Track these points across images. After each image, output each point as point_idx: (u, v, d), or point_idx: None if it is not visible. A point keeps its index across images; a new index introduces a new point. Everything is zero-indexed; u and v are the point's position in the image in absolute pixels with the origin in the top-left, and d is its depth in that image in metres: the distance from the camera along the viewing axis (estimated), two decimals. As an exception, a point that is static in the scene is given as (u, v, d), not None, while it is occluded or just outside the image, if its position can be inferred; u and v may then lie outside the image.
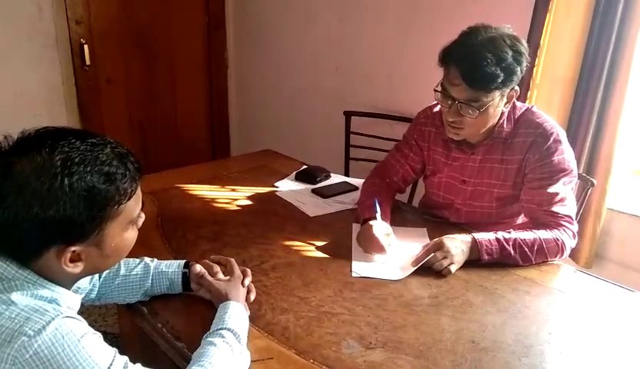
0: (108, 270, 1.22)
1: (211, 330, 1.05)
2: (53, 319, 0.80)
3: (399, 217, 1.70)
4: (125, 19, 3.03)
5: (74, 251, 0.86)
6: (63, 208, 0.81)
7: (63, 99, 2.86)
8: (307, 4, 3.01)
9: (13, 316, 0.79)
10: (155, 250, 1.45)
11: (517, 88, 1.44)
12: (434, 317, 1.22)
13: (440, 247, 1.40)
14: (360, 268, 1.41)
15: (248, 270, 1.29)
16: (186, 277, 1.23)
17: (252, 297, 1.24)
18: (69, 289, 0.93)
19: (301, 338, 1.13)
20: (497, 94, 1.40)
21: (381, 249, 1.44)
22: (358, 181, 1.95)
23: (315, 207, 1.78)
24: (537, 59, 2.03)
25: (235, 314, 1.09)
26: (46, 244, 0.85)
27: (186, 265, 1.25)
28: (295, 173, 2.05)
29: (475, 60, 1.34)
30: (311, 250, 1.51)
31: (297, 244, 1.53)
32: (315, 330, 1.15)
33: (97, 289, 1.20)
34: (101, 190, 0.84)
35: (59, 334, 0.79)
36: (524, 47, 1.39)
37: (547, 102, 2.04)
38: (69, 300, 0.92)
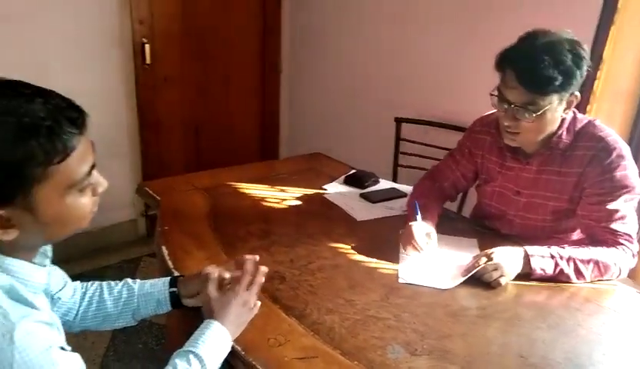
0: (89, 298, 1.14)
1: (183, 348, 0.99)
2: (14, 328, 0.73)
3: (449, 227, 1.67)
4: (185, 20, 3.12)
5: (0, 216, 0.76)
6: None
7: (123, 97, 2.96)
8: (360, 11, 3.02)
9: None
10: (206, 244, 1.49)
11: (577, 93, 1.40)
12: (481, 328, 1.20)
13: (491, 258, 1.38)
14: (407, 275, 1.40)
15: (261, 274, 1.14)
16: (175, 296, 1.15)
17: (256, 309, 1.13)
18: (30, 259, 0.85)
19: (346, 340, 1.13)
20: (555, 97, 1.36)
21: (415, 247, 1.46)
22: (406, 188, 1.93)
23: (362, 211, 1.78)
24: (599, 72, 1.97)
25: (212, 339, 1.00)
26: None
27: (172, 283, 1.17)
28: (343, 177, 2.06)
29: (532, 62, 1.32)
30: (357, 253, 1.51)
31: (344, 247, 1.54)
32: (360, 333, 1.15)
33: (75, 311, 1.13)
34: (14, 146, 0.72)
35: (22, 345, 0.72)
36: (584, 51, 1.36)
37: (608, 116, 1.97)
38: (31, 274, 0.84)
